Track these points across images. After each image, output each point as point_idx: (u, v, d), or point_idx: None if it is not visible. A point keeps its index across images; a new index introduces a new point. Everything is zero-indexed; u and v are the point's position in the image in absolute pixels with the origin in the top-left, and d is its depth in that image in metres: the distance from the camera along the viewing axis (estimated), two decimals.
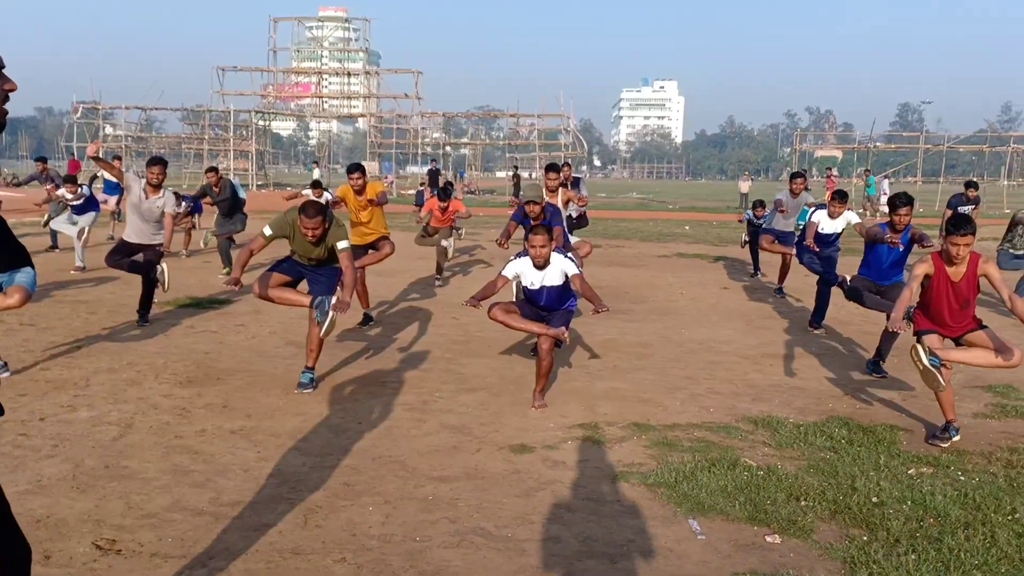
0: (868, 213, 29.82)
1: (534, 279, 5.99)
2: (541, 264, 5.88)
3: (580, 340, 8.06)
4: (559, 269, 5.91)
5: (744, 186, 37.78)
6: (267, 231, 6.00)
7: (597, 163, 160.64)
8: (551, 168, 8.73)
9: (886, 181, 35.78)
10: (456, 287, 11.24)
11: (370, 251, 8.43)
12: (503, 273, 6.01)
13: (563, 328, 5.84)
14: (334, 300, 5.91)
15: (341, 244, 5.95)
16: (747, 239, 13.25)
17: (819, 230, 9.02)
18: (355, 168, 8.35)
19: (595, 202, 38.59)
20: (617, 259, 15.56)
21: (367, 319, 8.65)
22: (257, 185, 43.69)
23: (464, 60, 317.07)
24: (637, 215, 29.91)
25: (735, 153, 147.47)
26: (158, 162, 7.96)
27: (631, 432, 5.35)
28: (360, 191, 8.23)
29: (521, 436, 5.22)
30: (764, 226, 11.51)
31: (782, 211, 10.69)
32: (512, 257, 6.14)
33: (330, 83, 57.78)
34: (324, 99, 52.74)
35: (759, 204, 13.32)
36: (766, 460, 4.88)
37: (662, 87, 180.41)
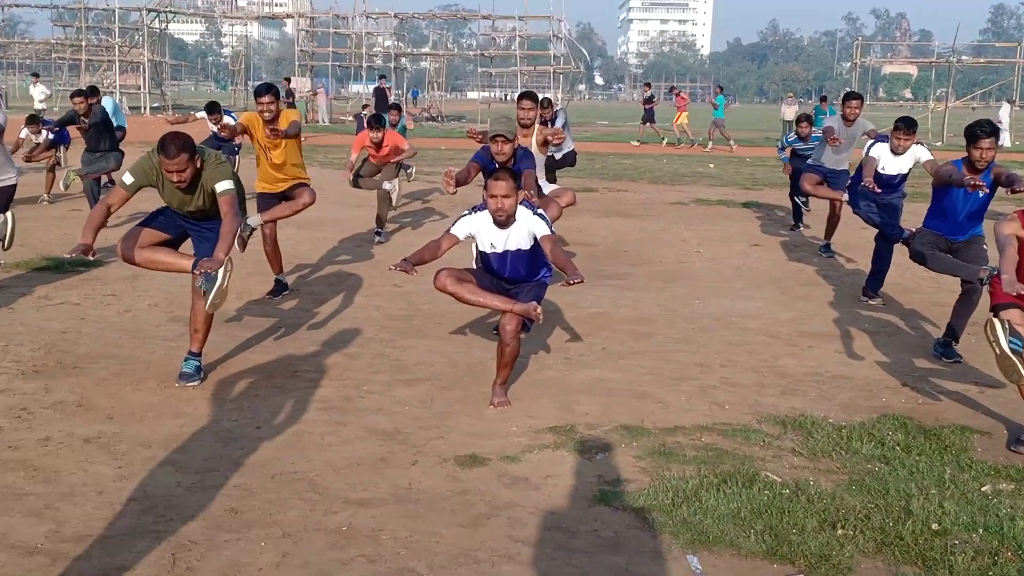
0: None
1: (495, 241, 5.82)
2: (503, 221, 5.71)
3: (559, 315, 7.96)
4: (526, 229, 5.74)
5: (789, 112, 37.61)
6: (128, 179, 5.79)
7: (599, 81, 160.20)
8: (525, 96, 8.52)
9: (1008, 107, 33.32)
10: (401, 245, 11.10)
11: (283, 201, 8.27)
12: (452, 231, 5.86)
13: (534, 304, 5.67)
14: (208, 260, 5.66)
15: (220, 186, 5.74)
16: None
17: (879, 169, 8.94)
18: (265, 90, 8.09)
19: (594, 132, 38.58)
20: (617, 207, 15.45)
21: (280, 287, 8.51)
22: (151, 108, 43.13)
23: None
24: (646, 149, 29.78)
25: (779, 69, 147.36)
26: None
27: (619, 438, 5.27)
28: (271, 120, 7.99)
29: (473, 444, 5.12)
30: (809, 161, 11.39)
31: (833, 141, 10.54)
32: (466, 211, 5.96)
33: None
34: None
35: (804, 119, 13.32)
36: (794, 474, 4.81)
37: None
